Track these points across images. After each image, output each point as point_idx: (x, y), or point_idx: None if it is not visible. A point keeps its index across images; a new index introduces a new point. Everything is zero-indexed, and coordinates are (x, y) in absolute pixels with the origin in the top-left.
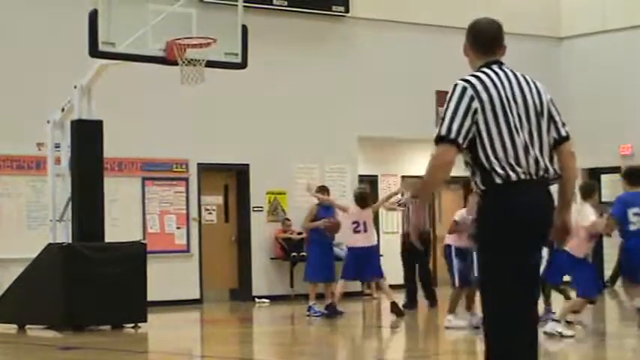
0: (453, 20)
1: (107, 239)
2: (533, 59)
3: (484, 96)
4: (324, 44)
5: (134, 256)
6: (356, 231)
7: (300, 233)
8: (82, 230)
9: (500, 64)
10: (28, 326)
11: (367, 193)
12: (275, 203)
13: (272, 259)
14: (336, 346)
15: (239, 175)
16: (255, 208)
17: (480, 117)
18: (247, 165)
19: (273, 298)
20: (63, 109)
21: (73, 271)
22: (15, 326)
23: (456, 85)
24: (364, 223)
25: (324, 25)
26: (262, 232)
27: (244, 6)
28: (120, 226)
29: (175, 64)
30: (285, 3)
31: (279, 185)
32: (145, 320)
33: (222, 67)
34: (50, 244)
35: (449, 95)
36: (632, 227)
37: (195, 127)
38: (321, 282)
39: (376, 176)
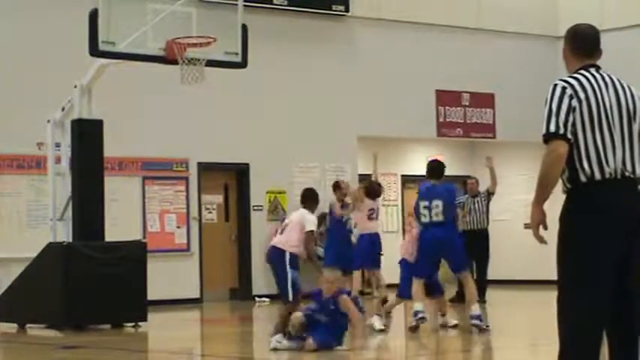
0: (453, 20)
1: (107, 238)
2: (531, 58)
3: (581, 95)
4: (324, 44)
5: (134, 255)
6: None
7: None
8: (82, 229)
9: (597, 68)
10: (28, 325)
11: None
12: (275, 202)
13: None
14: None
15: (239, 174)
16: (255, 207)
17: (577, 116)
18: (247, 164)
19: (273, 297)
20: (63, 109)
21: (73, 270)
22: (15, 325)
23: (555, 84)
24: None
25: (325, 24)
26: (262, 231)
27: (244, 5)
28: (120, 225)
29: (175, 63)
30: (286, 2)
31: (279, 184)
32: (145, 319)
33: (222, 66)
34: (50, 243)
35: (549, 95)
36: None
37: (196, 127)
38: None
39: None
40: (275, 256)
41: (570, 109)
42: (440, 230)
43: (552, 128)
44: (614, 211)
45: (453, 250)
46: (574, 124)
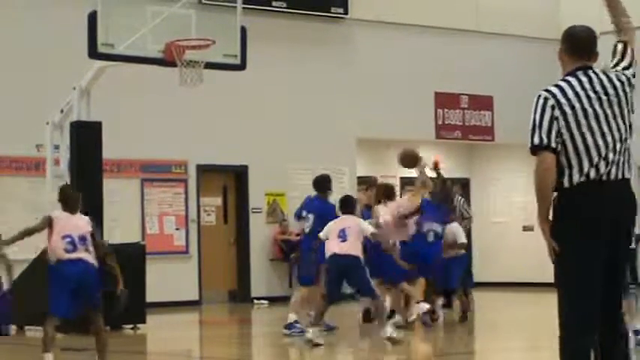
0: (451, 22)
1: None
2: (530, 61)
3: (564, 103)
4: (322, 46)
5: (133, 257)
6: None
7: (298, 235)
8: None
9: (586, 70)
10: (27, 327)
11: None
12: (274, 204)
13: (271, 260)
14: (334, 347)
15: (238, 176)
16: (253, 210)
17: (561, 124)
18: (246, 166)
19: (272, 300)
20: (62, 111)
21: None
22: (14, 327)
23: (539, 95)
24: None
25: (323, 26)
26: (261, 233)
27: (243, 7)
28: (119, 227)
29: (174, 65)
30: (284, 4)
31: (277, 186)
32: (143, 321)
33: (221, 68)
34: None
35: (533, 106)
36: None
37: (194, 129)
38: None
39: (375, 178)
40: (353, 263)
41: (553, 119)
42: (306, 241)
43: (536, 140)
44: (598, 215)
45: (304, 260)
46: (559, 133)
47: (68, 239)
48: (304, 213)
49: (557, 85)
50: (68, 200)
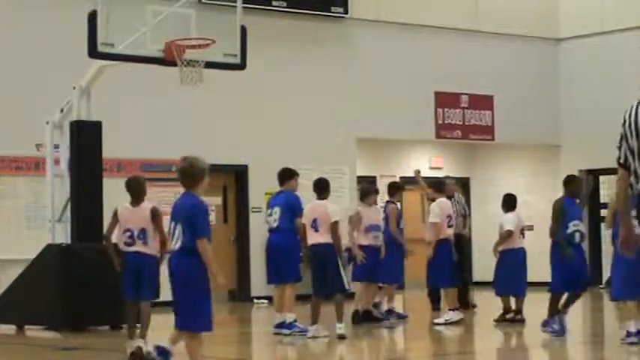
0: (451, 21)
1: None
2: (530, 60)
3: (626, 119)
4: (323, 45)
5: None
6: None
7: None
8: (80, 231)
9: None
10: (27, 327)
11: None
12: None
13: None
14: (334, 347)
15: (238, 175)
16: (253, 209)
17: (624, 142)
18: (246, 166)
19: (272, 299)
20: (62, 110)
21: (72, 271)
22: (14, 327)
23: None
24: None
25: (323, 26)
26: (261, 233)
27: (243, 7)
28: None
29: (174, 64)
30: (284, 4)
31: (277, 186)
32: None
33: (221, 67)
34: (49, 244)
35: None
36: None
37: (194, 128)
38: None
39: (374, 177)
40: (328, 253)
41: (623, 135)
42: (275, 236)
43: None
44: None
45: (284, 257)
46: (627, 145)
47: (128, 233)
48: (268, 211)
49: (638, 102)
50: (131, 192)
